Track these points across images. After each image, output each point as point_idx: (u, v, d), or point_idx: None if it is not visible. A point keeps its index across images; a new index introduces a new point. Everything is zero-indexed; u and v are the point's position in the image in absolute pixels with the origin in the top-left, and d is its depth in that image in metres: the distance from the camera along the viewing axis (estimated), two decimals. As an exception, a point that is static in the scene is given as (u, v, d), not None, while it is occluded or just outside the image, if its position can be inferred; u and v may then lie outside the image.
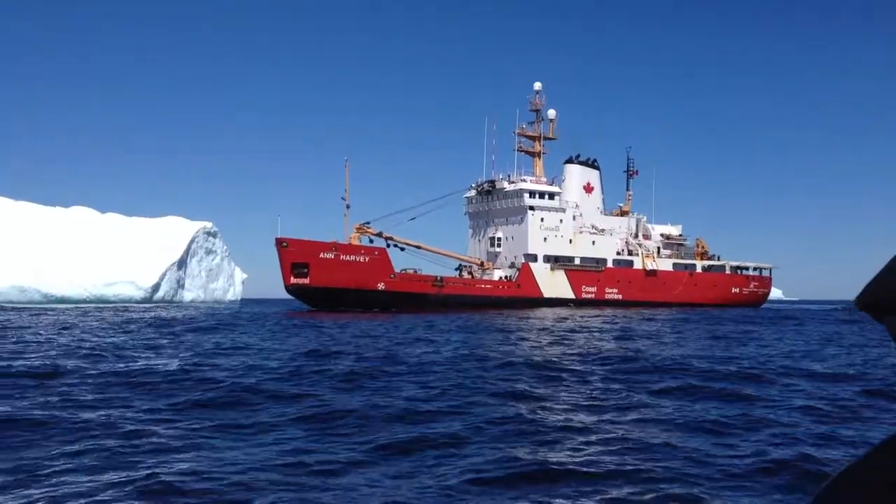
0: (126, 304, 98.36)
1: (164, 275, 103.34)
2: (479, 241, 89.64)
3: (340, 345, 26.60)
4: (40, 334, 31.33)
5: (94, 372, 17.37)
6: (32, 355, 21.51)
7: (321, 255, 72.65)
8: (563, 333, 34.02)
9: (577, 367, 19.30)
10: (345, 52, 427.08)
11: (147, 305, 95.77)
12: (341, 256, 73.56)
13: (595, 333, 34.75)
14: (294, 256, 72.08)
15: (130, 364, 19.45)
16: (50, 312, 64.67)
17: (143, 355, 22.27)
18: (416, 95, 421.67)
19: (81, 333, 32.34)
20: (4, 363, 18.85)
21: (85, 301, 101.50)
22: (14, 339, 28.03)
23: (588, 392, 15.05)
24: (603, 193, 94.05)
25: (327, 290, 71.71)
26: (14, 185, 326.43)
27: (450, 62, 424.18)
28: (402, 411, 12.32)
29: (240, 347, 25.53)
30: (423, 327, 39.55)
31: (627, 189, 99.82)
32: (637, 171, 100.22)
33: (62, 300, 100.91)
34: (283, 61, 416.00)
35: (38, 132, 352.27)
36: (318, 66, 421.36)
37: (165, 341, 28.00)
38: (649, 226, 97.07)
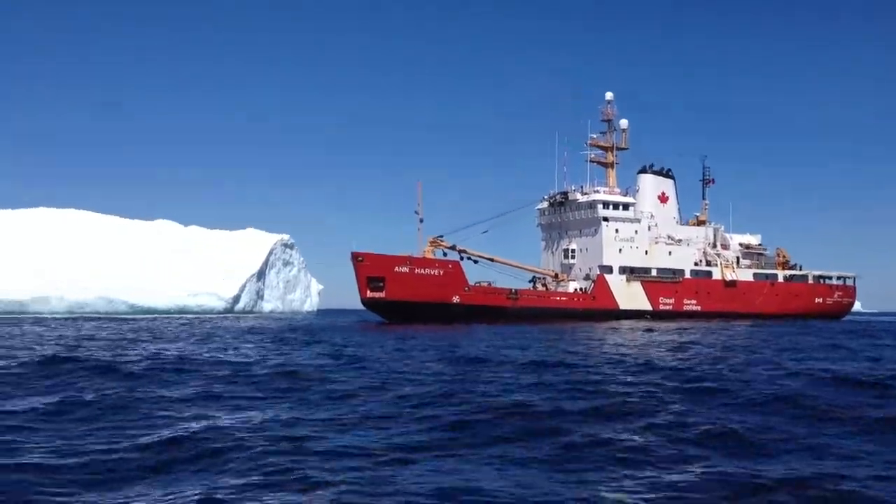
0: (209, 315, 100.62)
1: (244, 286, 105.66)
2: (553, 252, 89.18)
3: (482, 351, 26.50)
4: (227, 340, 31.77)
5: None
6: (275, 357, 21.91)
7: (396, 269, 73.26)
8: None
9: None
10: (420, 66, 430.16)
11: (230, 315, 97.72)
12: (416, 270, 74.06)
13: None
14: (369, 270, 72.82)
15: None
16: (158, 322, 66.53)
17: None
18: (486, 108, 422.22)
19: (262, 342, 32.85)
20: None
21: (169, 312, 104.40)
22: (218, 346, 28.53)
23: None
24: (678, 203, 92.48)
25: (403, 303, 72.25)
26: (101, 198, 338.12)
27: (520, 74, 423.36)
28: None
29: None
30: (544, 336, 37.74)
31: (703, 198, 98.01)
32: (713, 180, 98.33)
33: (148, 311, 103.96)
34: (360, 77, 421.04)
35: (123, 147, 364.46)
36: (394, 81, 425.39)
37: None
38: (727, 235, 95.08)
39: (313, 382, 16.95)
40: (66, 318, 77.43)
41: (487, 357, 24.10)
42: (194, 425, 11.33)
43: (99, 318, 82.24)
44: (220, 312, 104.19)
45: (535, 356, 24.46)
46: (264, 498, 7.71)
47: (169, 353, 25.38)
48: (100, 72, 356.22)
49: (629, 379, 18.05)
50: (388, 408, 13.25)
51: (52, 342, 30.48)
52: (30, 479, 8.30)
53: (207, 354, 24.58)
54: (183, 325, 54.56)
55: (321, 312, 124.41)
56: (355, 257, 73.40)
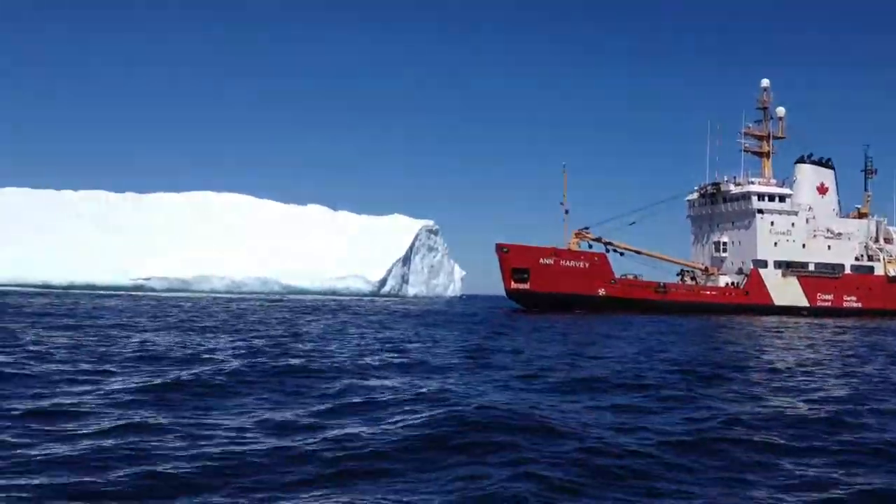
0: (357, 297, 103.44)
1: (390, 270, 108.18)
2: (703, 245, 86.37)
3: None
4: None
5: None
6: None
7: (541, 261, 73.02)
8: None
9: None
10: (568, 58, 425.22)
11: (377, 299, 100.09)
12: (561, 262, 73.57)
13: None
14: (514, 262, 72.90)
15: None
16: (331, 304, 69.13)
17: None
18: (634, 97, 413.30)
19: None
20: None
21: (319, 293, 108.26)
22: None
23: None
24: (838, 195, 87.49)
25: (548, 295, 71.98)
26: (259, 183, 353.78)
27: (670, 64, 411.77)
28: None
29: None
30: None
31: (865, 190, 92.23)
32: (876, 171, 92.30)
33: (300, 292, 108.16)
34: (504, 68, 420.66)
35: (279, 133, 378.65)
36: (542, 72, 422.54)
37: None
38: (891, 229, 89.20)
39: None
40: (230, 298, 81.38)
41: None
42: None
43: (246, 300, 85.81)
44: (366, 295, 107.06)
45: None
46: None
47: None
48: (266, 69, 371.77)
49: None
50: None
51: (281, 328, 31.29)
52: None
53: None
54: (389, 310, 55.93)
55: (464, 298, 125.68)
56: (500, 248, 73.63)
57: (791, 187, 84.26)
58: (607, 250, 77.40)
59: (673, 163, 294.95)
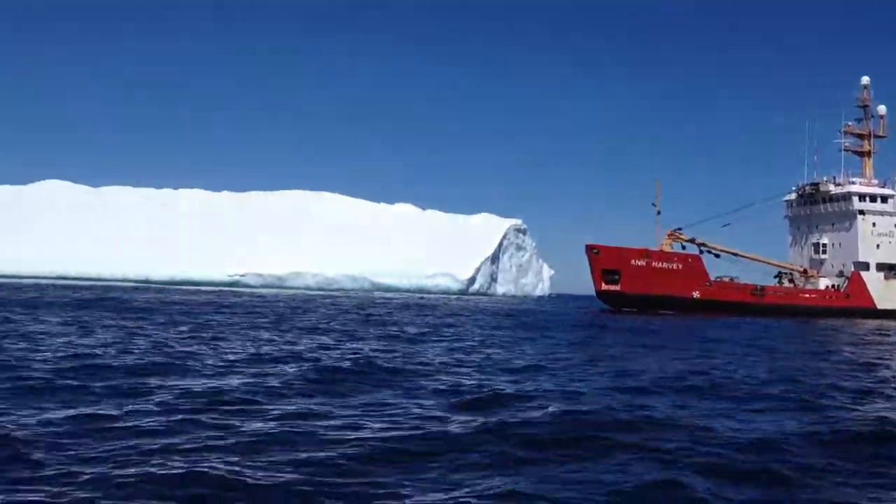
0: (446, 296, 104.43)
1: (478, 269, 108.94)
2: (801, 247, 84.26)
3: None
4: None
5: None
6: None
7: (633, 263, 72.55)
8: None
9: None
10: (661, 54, 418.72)
11: (465, 297, 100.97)
12: (653, 263, 72.93)
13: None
14: (605, 263, 72.62)
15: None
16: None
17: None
18: (727, 98, 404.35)
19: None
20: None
21: (408, 291, 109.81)
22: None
23: None
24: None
25: (639, 297, 71.51)
26: (351, 182, 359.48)
27: (766, 62, 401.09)
28: None
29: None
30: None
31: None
32: None
33: (389, 289, 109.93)
34: (594, 68, 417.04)
35: (371, 134, 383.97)
36: (632, 73, 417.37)
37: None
38: None
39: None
40: (325, 295, 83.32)
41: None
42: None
43: (346, 295, 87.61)
44: (454, 293, 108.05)
45: None
46: None
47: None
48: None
49: None
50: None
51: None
52: None
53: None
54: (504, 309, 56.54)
55: (552, 297, 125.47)
56: (590, 249, 73.43)
57: (893, 188, 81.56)
58: (701, 252, 76.33)
59: (771, 162, 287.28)
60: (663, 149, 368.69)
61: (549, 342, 24.89)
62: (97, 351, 16.67)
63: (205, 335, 22.44)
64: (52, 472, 7.01)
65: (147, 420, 9.42)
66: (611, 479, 7.76)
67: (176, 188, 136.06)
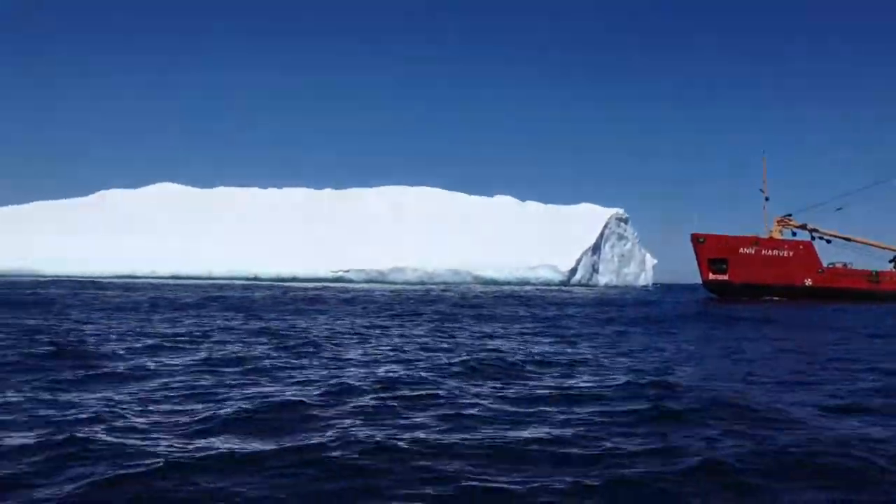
0: (548, 287, 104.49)
1: (580, 259, 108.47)
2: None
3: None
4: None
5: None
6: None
7: (741, 251, 71.25)
8: None
9: None
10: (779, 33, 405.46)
11: (574, 289, 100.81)
12: (763, 251, 71.45)
13: None
14: (711, 252, 71.54)
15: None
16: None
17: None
18: (842, 77, 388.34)
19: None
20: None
21: (509, 283, 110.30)
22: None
23: None
24: None
25: (748, 286, 70.19)
26: (449, 176, 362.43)
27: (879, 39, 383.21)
28: None
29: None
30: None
31: None
32: None
33: (490, 282, 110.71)
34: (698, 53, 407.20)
35: (461, 125, 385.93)
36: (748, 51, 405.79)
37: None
38: None
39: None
40: (434, 290, 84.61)
41: None
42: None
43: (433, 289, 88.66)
44: (556, 285, 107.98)
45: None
46: None
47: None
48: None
49: None
50: None
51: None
52: None
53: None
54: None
55: (655, 287, 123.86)
56: (696, 239, 72.46)
57: None
58: (812, 238, 74.38)
59: (885, 142, 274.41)
60: (770, 136, 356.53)
61: (690, 338, 23.22)
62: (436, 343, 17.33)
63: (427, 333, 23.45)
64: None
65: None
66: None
67: (280, 187, 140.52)
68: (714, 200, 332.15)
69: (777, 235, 73.46)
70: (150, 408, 9.80)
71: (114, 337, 18.89)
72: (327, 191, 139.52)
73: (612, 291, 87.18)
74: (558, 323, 27.92)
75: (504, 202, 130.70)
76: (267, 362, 14.32)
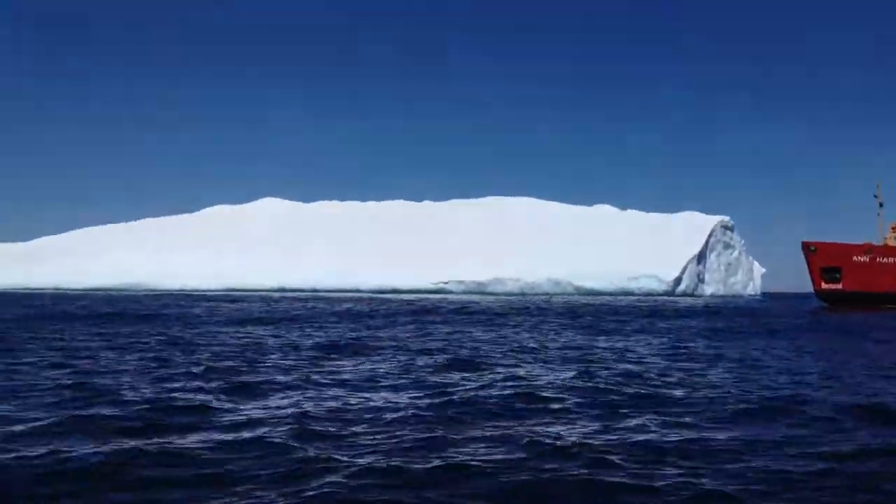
0: (652, 297, 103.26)
1: (684, 269, 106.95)
2: None
3: None
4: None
5: None
6: None
7: (854, 259, 69.26)
8: None
9: None
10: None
11: (679, 299, 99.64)
12: (877, 259, 69.27)
13: None
14: (823, 260, 69.80)
15: None
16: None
17: None
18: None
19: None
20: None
21: (611, 293, 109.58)
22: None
23: None
24: None
25: (864, 295, 68.16)
26: (546, 186, 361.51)
27: None
28: None
29: None
30: None
31: None
32: None
33: (591, 292, 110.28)
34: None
35: (558, 135, 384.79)
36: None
37: None
38: None
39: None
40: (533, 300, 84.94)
41: None
42: None
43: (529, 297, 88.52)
44: (660, 295, 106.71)
45: None
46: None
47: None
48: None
49: None
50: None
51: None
52: None
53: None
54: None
55: (764, 297, 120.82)
56: (807, 247, 70.81)
57: None
58: (933, 244, 71.60)
59: None
60: (882, 137, 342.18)
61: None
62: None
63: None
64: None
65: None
66: None
67: (380, 200, 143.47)
68: (825, 207, 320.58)
69: (892, 243, 71.04)
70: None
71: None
72: (426, 203, 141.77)
73: (719, 301, 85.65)
74: (686, 336, 27.87)
75: (604, 211, 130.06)
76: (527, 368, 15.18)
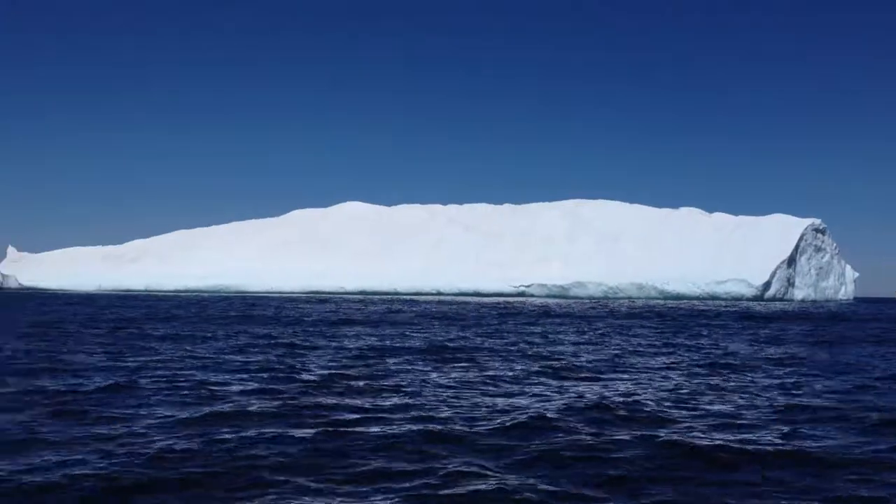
0: (739, 302, 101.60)
1: (774, 273, 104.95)
2: None
3: None
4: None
5: None
6: None
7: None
8: None
9: None
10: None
11: (763, 304, 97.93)
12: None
13: None
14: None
15: None
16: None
17: None
18: None
19: None
20: None
21: (697, 297, 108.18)
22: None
23: None
24: None
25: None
26: (628, 188, 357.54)
27: None
28: None
29: None
30: None
31: None
32: None
33: (676, 297, 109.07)
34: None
35: (641, 136, 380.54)
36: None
37: None
38: None
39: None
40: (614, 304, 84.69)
41: None
42: None
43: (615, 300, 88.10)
44: (749, 299, 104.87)
45: None
46: None
47: None
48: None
49: None
50: None
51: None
52: None
53: None
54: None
55: (859, 301, 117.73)
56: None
57: None
58: None
59: None
60: None
61: None
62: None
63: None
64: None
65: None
66: None
67: (461, 203, 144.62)
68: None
69: None
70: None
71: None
72: (506, 206, 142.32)
73: (811, 306, 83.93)
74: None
75: (689, 214, 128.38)
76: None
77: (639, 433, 9.57)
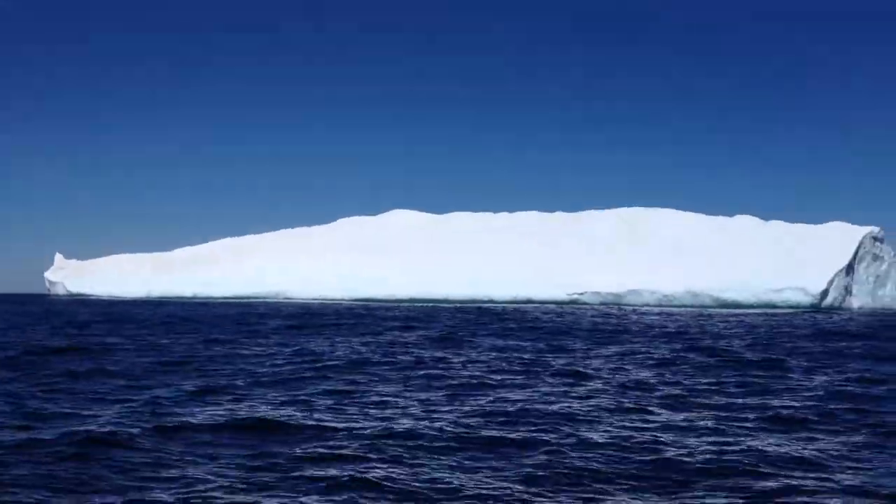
0: (795, 311, 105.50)
1: (831, 281, 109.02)
2: None
3: None
4: None
5: None
6: None
7: None
8: None
9: None
10: None
11: (821, 313, 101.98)
12: None
13: None
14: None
15: None
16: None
17: None
18: None
19: None
20: None
21: (752, 306, 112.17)
22: None
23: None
24: None
25: None
26: (682, 196, 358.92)
27: None
28: None
29: None
30: None
31: None
32: None
33: (732, 305, 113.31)
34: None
35: (693, 146, 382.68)
36: None
37: None
38: None
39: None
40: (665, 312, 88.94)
41: None
42: None
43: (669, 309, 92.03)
44: (805, 308, 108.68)
45: None
46: None
47: None
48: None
49: None
50: None
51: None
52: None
53: None
54: None
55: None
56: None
57: None
58: None
59: None
60: None
61: None
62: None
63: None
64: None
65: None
66: None
67: (512, 211, 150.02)
68: None
69: None
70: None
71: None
72: (559, 214, 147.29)
73: (874, 320, 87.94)
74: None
75: (746, 222, 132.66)
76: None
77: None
